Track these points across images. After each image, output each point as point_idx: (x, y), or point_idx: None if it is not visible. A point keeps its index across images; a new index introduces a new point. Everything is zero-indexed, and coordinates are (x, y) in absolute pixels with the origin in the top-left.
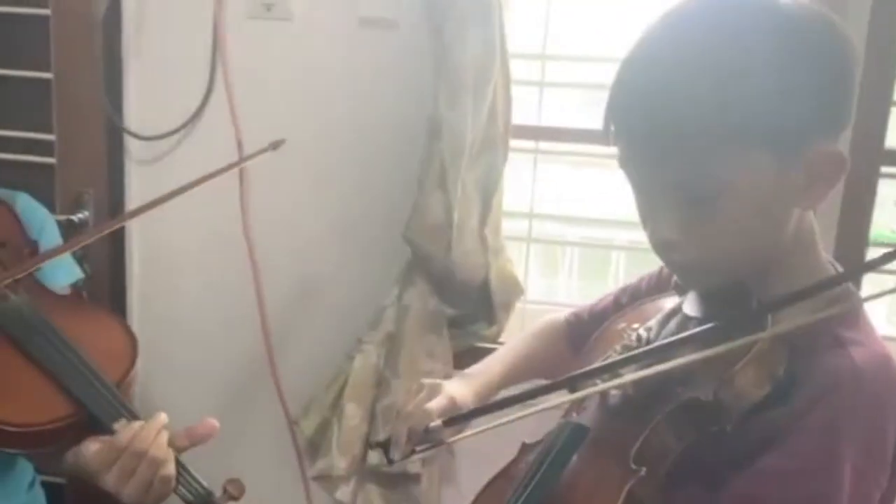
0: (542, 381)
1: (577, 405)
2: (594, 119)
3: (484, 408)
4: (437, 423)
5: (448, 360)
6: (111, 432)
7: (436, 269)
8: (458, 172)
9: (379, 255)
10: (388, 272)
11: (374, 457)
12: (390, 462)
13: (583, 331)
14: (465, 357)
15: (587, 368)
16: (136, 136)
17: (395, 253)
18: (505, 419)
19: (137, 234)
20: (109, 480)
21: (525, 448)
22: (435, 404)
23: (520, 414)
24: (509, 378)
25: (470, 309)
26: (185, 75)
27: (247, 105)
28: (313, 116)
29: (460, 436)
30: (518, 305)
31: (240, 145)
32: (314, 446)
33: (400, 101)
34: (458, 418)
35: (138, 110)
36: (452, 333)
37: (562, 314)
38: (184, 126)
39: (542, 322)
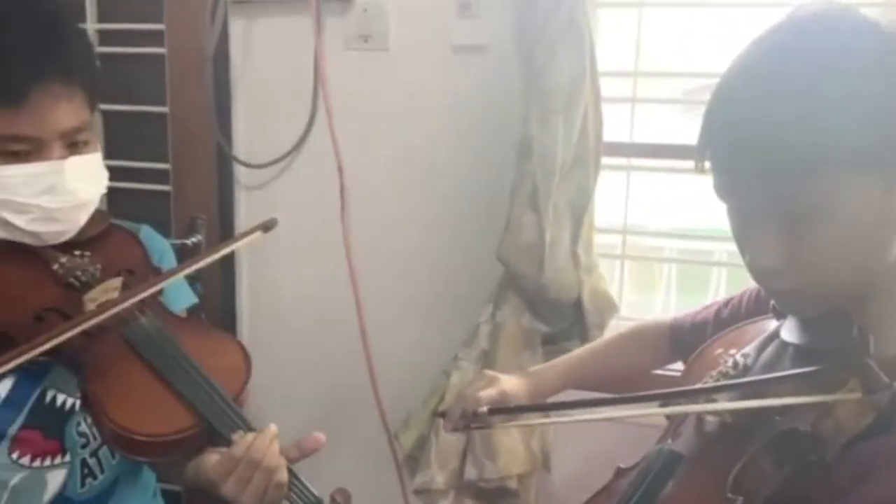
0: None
1: (672, 431)
2: (686, 134)
3: (530, 406)
4: (483, 409)
5: None
6: (229, 443)
7: (529, 288)
8: (549, 192)
9: (473, 274)
10: (482, 290)
11: (472, 472)
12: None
13: (683, 337)
14: None
15: (682, 388)
16: (244, 163)
17: (489, 271)
18: (566, 419)
19: (247, 263)
20: (228, 489)
21: (620, 472)
22: (485, 393)
23: (587, 417)
24: (573, 377)
25: (564, 326)
26: (288, 105)
27: (346, 132)
28: (409, 140)
29: (508, 424)
30: (612, 322)
31: (340, 171)
32: (413, 460)
33: (491, 123)
34: (503, 410)
35: (246, 139)
36: (546, 350)
37: (664, 317)
38: (288, 154)
39: (642, 323)
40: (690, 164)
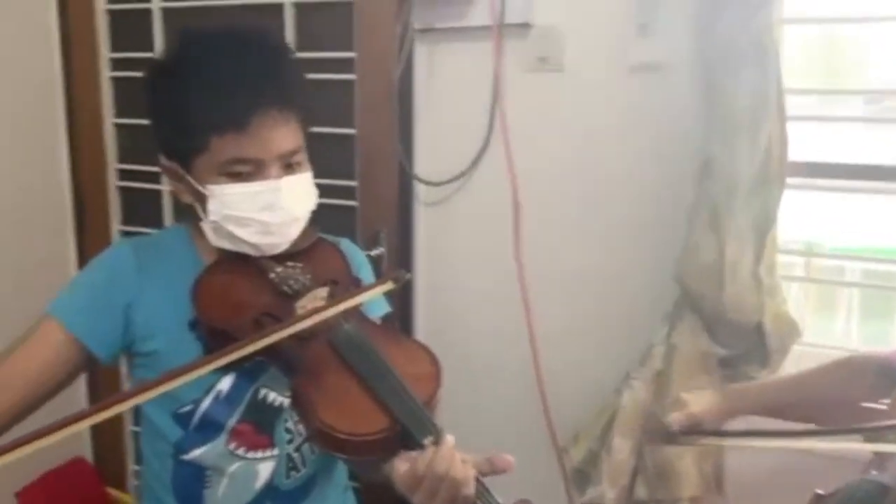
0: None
1: (879, 464)
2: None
3: (718, 432)
4: (674, 430)
5: None
6: (421, 447)
7: (707, 309)
8: (731, 212)
9: (647, 293)
10: (656, 310)
11: (642, 491)
12: None
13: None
14: None
15: (891, 423)
16: (424, 181)
17: (664, 291)
18: (759, 443)
19: (423, 278)
20: (418, 500)
21: (819, 499)
22: (675, 416)
23: (784, 445)
24: (769, 403)
25: (742, 349)
26: (466, 126)
27: (522, 151)
28: (584, 159)
29: (701, 442)
30: (794, 348)
31: (515, 189)
32: (582, 475)
33: (668, 142)
34: (692, 432)
35: (426, 158)
36: (724, 374)
37: (875, 350)
38: (465, 172)
39: (851, 355)
40: (880, 185)
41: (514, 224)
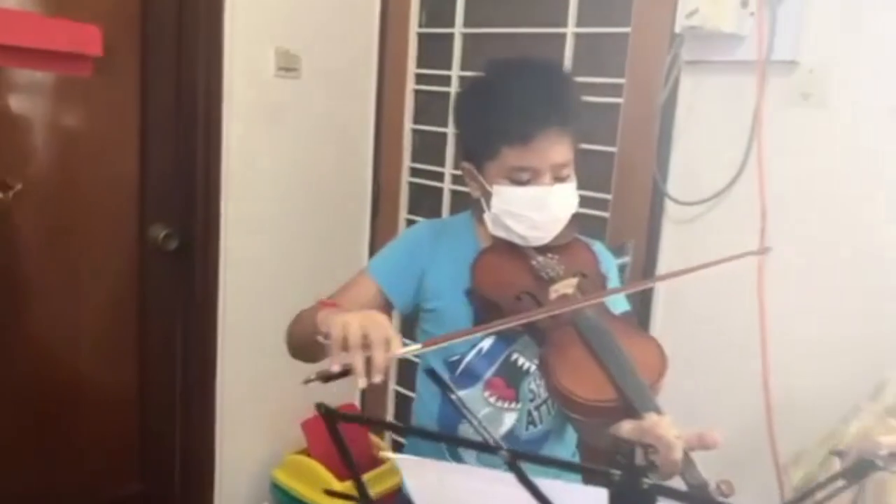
0: None
1: None
2: None
3: None
4: (883, 453)
5: None
6: (641, 419)
7: None
8: None
9: (887, 324)
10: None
11: None
12: None
13: None
14: None
15: None
16: (674, 200)
17: None
18: None
19: (662, 292)
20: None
21: None
22: (885, 439)
23: None
24: None
25: None
26: (722, 152)
27: (774, 183)
28: (838, 199)
29: None
30: None
31: (763, 217)
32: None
33: None
34: None
35: (679, 179)
36: None
37: None
38: (716, 196)
39: None
40: None
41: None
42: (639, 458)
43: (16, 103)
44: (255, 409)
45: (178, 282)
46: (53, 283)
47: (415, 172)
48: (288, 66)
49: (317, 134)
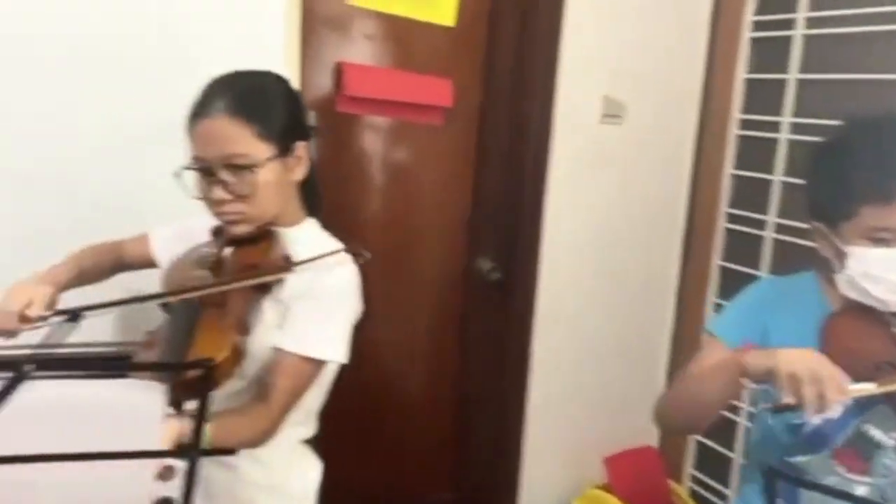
0: None
1: None
2: None
3: None
4: None
5: None
6: None
7: None
8: None
9: None
10: None
11: None
12: None
13: None
14: None
15: None
16: None
17: None
18: None
19: None
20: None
21: None
22: None
23: None
24: None
25: None
26: None
27: None
28: None
29: None
30: None
31: None
32: None
33: None
34: None
35: None
36: None
37: None
38: None
39: None
40: None
41: None
42: None
43: (371, 146)
44: (561, 437)
45: (498, 311)
46: (391, 304)
47: (732, 219)
48: (613, 112)
49: (634, 177)
